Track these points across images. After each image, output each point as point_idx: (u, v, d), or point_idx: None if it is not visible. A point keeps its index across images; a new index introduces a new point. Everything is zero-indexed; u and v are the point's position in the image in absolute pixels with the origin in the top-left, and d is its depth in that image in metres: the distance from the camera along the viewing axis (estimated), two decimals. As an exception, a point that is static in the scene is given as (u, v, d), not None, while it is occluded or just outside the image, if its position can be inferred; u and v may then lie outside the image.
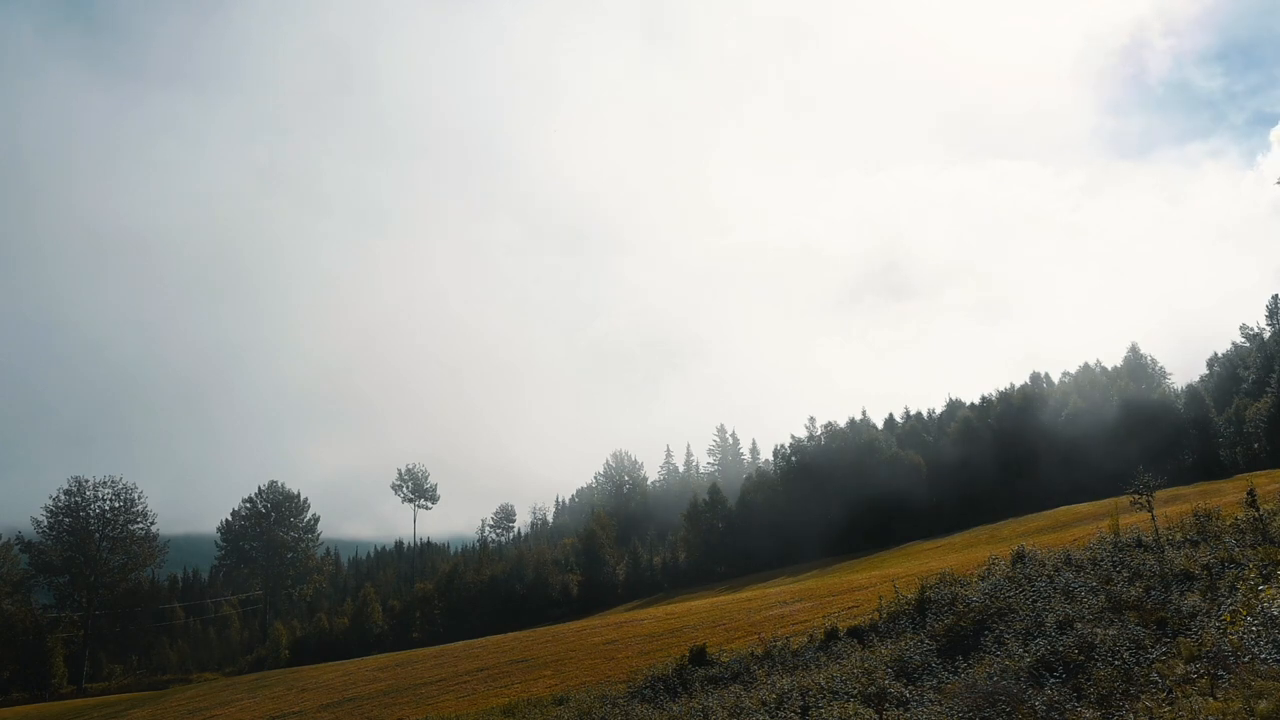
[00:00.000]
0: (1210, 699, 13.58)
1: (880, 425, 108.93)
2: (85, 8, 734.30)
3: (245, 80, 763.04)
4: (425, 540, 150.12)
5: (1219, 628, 16.71)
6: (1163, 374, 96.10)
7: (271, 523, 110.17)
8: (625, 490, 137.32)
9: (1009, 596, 22.75)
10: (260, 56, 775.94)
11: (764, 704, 20.15)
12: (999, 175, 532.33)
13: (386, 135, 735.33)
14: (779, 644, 26.58)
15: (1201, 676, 14.57)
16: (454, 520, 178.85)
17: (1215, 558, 21.66)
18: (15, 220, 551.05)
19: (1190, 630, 17.31)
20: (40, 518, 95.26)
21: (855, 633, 25.78)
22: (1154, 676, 15.22)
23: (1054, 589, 22.70)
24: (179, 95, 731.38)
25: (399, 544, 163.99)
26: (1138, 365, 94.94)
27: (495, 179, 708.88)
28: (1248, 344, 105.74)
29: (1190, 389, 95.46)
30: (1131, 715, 13.91)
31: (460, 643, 62.65)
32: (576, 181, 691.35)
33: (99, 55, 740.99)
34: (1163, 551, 24.11)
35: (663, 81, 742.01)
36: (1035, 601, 21.85)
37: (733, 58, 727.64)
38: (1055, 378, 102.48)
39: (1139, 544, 25.99)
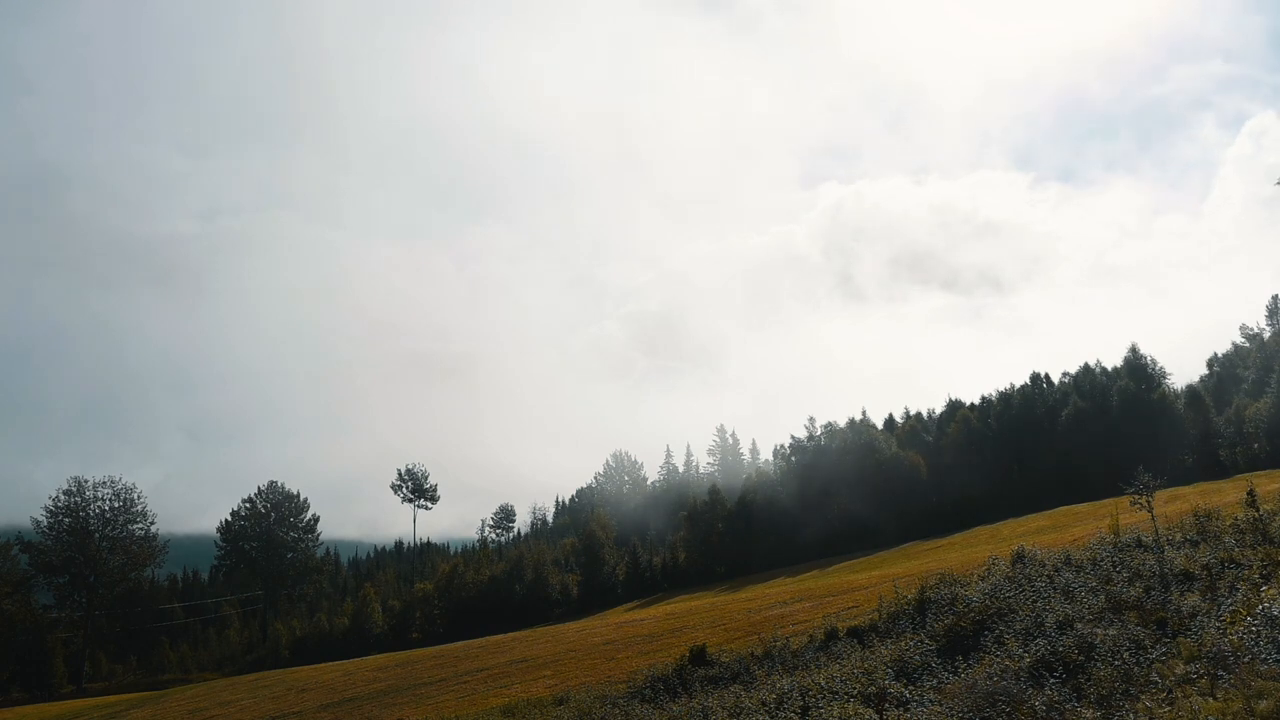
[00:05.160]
0: (1210, 699, 13.57)
1: (880, 425, 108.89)
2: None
3: (243, 88, 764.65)
4: (425, 540, 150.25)
5: (1219, 628, 16.70)
6: (1163, 374, 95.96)
7: (271, 523, 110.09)
8: (625, 490, 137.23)
9: (1009, 596, 22.71)
10: (259, 65, 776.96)
11: (764, 704, 20.12)
12: (982, 182, 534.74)
13: (385, 141, 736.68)
14: (779, 644, 26.54)
15: (1201, 676, 14.56)
16: (454, 520, 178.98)
17: (1215, 558, 21.63)
18: (22, 228, 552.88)
19: (1190, 630, 17.29)
20: (40, 518, 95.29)
21: (855, 633, 25.73)
22: (1154, 677, 15.20)
23: (1054, 589, 22.67)
24: (179, 104, 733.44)
25: (399, 544, 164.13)
26: (1138, 365, 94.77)
27: (494, 183, 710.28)
28: (1248, 344, 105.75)
29: (1190, 389, 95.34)
30: (1131, 715, 13.90)
31: (460, 643, 62.62)
32: (575, 184, 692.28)
33: (100, 68, 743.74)
34: (1163, 551, 24.07)
35: (655, 90, 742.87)
36: (1035, 601, 21.82)
37: (725, 64, 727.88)
38: (1055, 378, 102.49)
39: (1139, 544, 25.94)
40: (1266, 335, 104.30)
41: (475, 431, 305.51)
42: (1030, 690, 15.99)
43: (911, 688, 18.67)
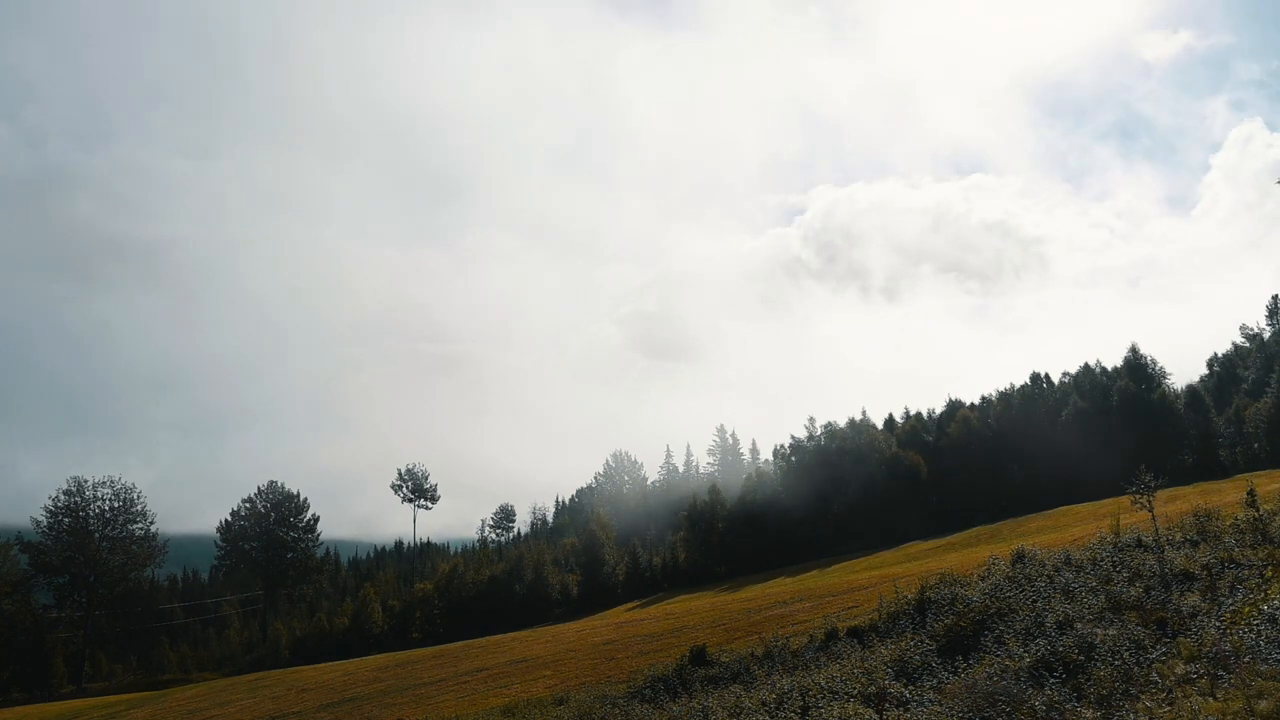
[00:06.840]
0: (1210, 699, 13.56)
1: (880, 425, 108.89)
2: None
3: (245, 94, 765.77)
4: (425, 540, 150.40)
5: (1219, 628, 16.68)
6: (1163, 374, 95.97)
7: (271, 523, 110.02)
8: (625, 490, 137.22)
9: (1009, 596, 22.69)
10: (262, 73, 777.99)
11: (764, 704, 20.10)
12: (980, 183, 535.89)
13: (383, 142, 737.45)
14: (779, 644, 26.52)
15: (1202, 677, 14.54)
16: (454, 520, 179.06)
17: (1215, 558, 21.61)
18: (25, 230, 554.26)
19: (1190, 630, 17.27)
20: (40, 518, 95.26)
21: (855, 633, 25.72)
22: (1154, 677, 15.19)
23: (1054, 589, 22.65)
24: (181, 111, 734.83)
25: (399, 544, 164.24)
26: (1138, 365, 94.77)
27: (494, 183, 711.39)
28: (1248, 344, 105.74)
29: (1190, 389, 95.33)
30: (1131, 715, 13.89)
31: (460, 643, 62.63)
32: (573, 184, 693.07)
33: (101, 81, 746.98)
34: (1163, 551, 24.06)
35: (652, 90, 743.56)
36: (1035, 601, 21.80)
37: (721, 63, 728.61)
38: (1055, 378, 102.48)
39: (1139, 544, 25.93)
40: (1266, 335, 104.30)
41: (475, 431, 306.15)
42: (1030, 690, 15.97)
43: (911, 688, 18.65)
